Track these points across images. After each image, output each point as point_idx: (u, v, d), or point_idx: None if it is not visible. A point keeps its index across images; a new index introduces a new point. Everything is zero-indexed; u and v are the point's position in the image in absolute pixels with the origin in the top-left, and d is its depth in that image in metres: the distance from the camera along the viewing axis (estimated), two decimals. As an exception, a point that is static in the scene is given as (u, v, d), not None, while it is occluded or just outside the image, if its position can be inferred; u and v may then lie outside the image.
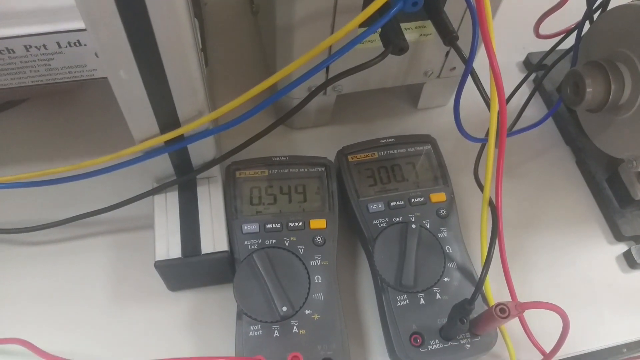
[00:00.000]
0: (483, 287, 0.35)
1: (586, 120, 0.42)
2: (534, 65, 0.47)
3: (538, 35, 0.42)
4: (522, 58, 0.53)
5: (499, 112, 0.30)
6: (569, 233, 0.43)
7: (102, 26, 0.24)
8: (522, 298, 0.40)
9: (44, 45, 0.32)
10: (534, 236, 0.43)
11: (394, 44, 0.33)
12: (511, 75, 0.51)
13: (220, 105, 0.31)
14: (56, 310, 0.37)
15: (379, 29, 0.34)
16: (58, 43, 0.32)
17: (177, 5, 0.25)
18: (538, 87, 0.47)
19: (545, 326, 0.35)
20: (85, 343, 0.36)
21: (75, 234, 0.39)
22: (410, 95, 0.49)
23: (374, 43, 0.38)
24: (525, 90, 0.49)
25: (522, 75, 0.49)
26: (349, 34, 0.30)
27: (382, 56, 0.33)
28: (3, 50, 0.32)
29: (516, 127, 0.46)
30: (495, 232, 0.32)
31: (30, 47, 0.32)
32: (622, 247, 0.42)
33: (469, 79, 0.34)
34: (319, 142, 0.46)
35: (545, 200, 0.45)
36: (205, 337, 0.36)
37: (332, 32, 0.36)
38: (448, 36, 0.34)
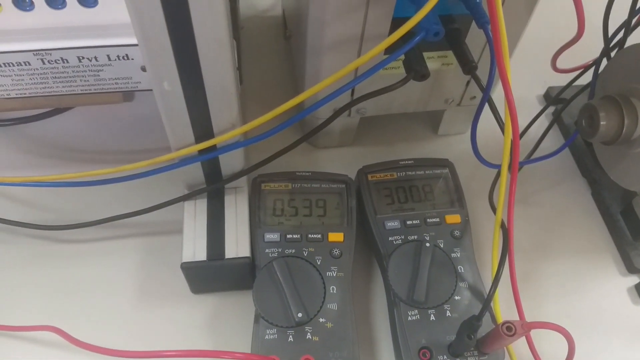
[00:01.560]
0: (492, 307, 0.37)
1: (601, 152, 0.43)
2: (552, 99, 0.48)
3: (555, 69, 0.44)
4: (543, 92, 0.54)
5: (512, 140, 0.32)
6: (582, 263, 0.44)
7: (152, 42, 0.27)
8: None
9: (95, 57, 0.36)
10: (547, 263, 0.44)
11: (416, 70, 0.35)
12: (531, 108, 0.53)
13: (249, 122, 0.33)
14: (86, 305, 0.39)
15: (402, 56, 0.37)
16: (108, 56, 0.36)
17: (220, 27, 0.27)
18: (556, 120, 0.49)
19: (553, 348, 0.36)
20: (111, 336, 0.38)
21: (109, 234, 0.42)
22: (431, 121, 0.51)
23: (398, 70, 0.41)
24: (544, 123, 0.51)
25: (538, 107, 0.50)
26: (374, 60, 0.32)
27: (404, 81, 0.35)
28: (58, 60, 0.35)
29: (534, 156, 0.47)
30: (506, 252, 0.33)
31: (83, 58, 0.36)
32: (634, 279, 0.43)
33: (486, 107, 0.36)
34: (341, 161, 0.48)
35: (559, 229, 0.46)
36: (223, 338, 0.38)
37: (358, 57, 0.38)
38: (467, 66, 0.36)
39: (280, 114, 0.32)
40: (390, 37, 0.30)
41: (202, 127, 0.33)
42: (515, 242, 0.44)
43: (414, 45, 0.34)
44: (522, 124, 0.48)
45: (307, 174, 0.41)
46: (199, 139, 0.34)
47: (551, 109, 0.52)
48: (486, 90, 0.35)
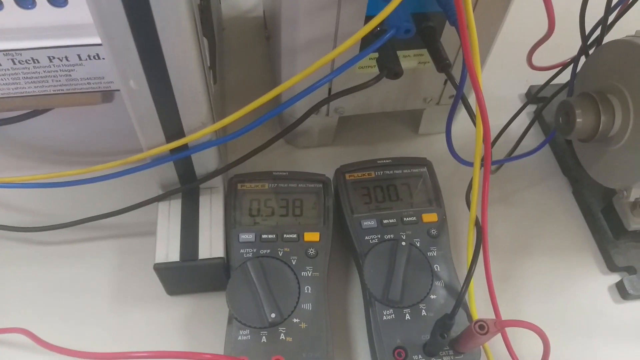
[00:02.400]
0: (468, 306, 0.36)
1: (581, 150, 0.43)
2: (532, 97, 0.48)
3: (532, 67, 0.44)
4: (525, 90, 0.54)
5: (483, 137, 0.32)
6: (563, 261, 0.44)
7: (115, 40, 0.27)
8: (511, 322, 0.41)
9: (66, 57, 0.35)
10: (527, 262, 0.43)
11: (389, 68, 0.35)
12: (513, 106, 0.52)
13: (234, 122, 0.33)
14: (60, 307, 0.39)
15: (376, 55, 0.37)
16: (79, 55, 0.35)
17: (183, 25, 0.27)
18: (537, 118, 0.48)
19: (530, 348, 0.36)
20: (85, 339, 0.37)
21: (83, 235, 0.41)
22: (412, 120, 0.51)
23: (374, 69, 0.40)
24: (527, 122, 0.51)
25: (520, 105, 0.50)
26: (347, 57, 0.32)
27: (377, 79, 0.35)
28: (29, 60, 0.35)
29: (515, 154, 0.47)
30: (479, 250, 0.33)
31: (54, 58, 0.35)
32: (615, 278, 0.43)
33: (461, 105, 0.35)
34: (321, 161, 0.48)
35: (540, 228, 0.45)
36: (199, 339, 0.38)
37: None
38: (441, 64, 0.36)
39: (254, 112, 0.32)
40: (359, 32, 0.30)
41: (172, 126, 0.33)
42: (495, 241, 0.44)
43: (385, 43, 0.34)
44: (503, 122, 0.48)
45: (284, 173, 0.41)
46: (169, 139, 0.34)
47: (533, 107, 0.52)
48: (459, 89, 0.35)
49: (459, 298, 0.32)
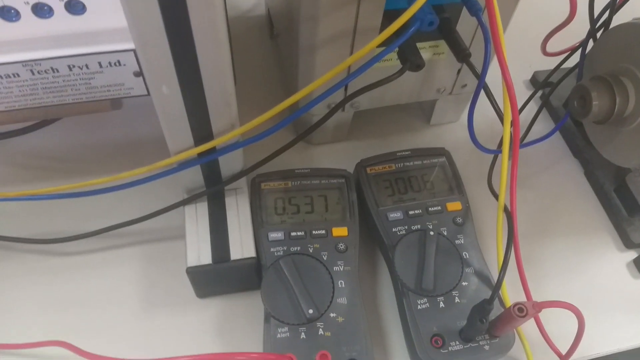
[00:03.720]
0: (500, 291, 0.37)
1: (593, 132, 0.44)
2: (541, 83, 0.49)
3: (545, 53, 0.44)
4: (529, 76, 0.55)
5: (512, 123, 0.32)
6: (580, 242, 0.45)
7: (151, 46, 0.27)
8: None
9: (87, 65, 0.35)
10: (546, 245, 0.44)
11: (411, 61, 0.35)
12: (518, 93, 0.52)
13: (242, 123, 0.33)
14: (90, 318, 0.38)
15: (397, 49, 0.37)
16: (100, 63, 0.35)
17: (218, 28, 0.27)
18: (545, 103, 0.49)
19: (561, 328, 0.37)
20: (118, 347, 0.37)
21: (109, 244, 0.41)
22: (424, 112, 0.51)
23: (391, 62, 0.41)
24: (533, 107, 0.52)
25: (529, 93, 0.51)
26: (368, 54, 0.32)
27: (400, 72, 0.35)
28: (48, 70, 0.35)
29: (526, 141, 0.48)
30: (511, 237, 0.34)
31: (74, 66, 0.35)
32: (632, 254, 0.44)
33: (482, 93, 0.36)
34: (337, 157, 0.48)
35: (555, 211, 0.46)
36: (232, 341, 0.38)
37: (351, 52, 0.38)
38: (461, 54, 0.36)
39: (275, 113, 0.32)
40: (386, 30, 0.30)
41: (202, 129, 0.33)
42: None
43: (408, 37, 0.35)
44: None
45: (305, 170, 0.41)
46: (198, 142, 0.34)
47: (538, 93, 0.53)
48: (482, 77, 0.35)
49: (497, 283, 0.33)
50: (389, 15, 0.37)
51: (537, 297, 0.42)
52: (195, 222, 0.38)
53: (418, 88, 0.45)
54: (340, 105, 0.37)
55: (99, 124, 0.49)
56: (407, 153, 0.43)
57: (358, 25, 0.37)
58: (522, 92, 0.55)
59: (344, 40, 0.38)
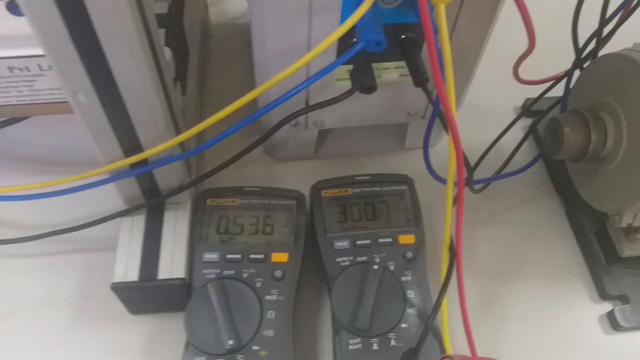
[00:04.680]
0: (442, 337, 0.34)
1: (573, 170, 0.41)
2: (523, 110, 0.46)
3: (520, 81, 0.41)
4: (521, 103, 0.52)
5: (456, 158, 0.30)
6: (551, 287, 0.41)
7: (58, 52, 0.26)
8: (494, 352, 0.38)
9: (27, 68, 0.34)
10: (513, 287, 0.41)
11: (361, 82, 0.33)
12: (508, 120, 0.50)
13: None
14: (19, 324, 0.37)
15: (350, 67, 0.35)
16: (39, 66, 0.34)
17: (129, 39, 0.26)
18: (531, 132, 0.46)
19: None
20: (45, 356, 0.36)
21: (47, 249, 0.40)
22: (399, 134, 0.48)
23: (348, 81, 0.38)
24: (521, 136, 0.48)
25: (519, 121, 0.48)
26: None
27: (348, 93, 0.33)
28: (-12, 71, 0.34)
29: (505, 172, 0.44)
30: (449, 276, 0.31)
31: (14, 68, 0.34)
32: (606, 307, 0.40)
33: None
34: (302, 175, 0.46)
35: (529, 250, 0.43)
36: (159, 363, 0.36)
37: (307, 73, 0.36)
38: (418, 77, 0.34)
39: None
40: (327, 39, 0.28)
41: (129, 140, 0.31)
42: (479, 264, 0.42)
43: (360, 56, 0.33)
44: (495, 136, 0.46)
45: (256, 189, 0.39)
46: (127, 153, 0.32)
47: (529, 121, 0.50)
48: (435, 105, 0.33)
49: (423, 331, 0.30)
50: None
51: (495, 344, 0.39)
52: (129, 235, 0.36)
53: (387, 110, 0.42)
54: (294, 116, 0.35)
55: (64, 124, 0.48)
56: (366, 178, 0.40)
57: (312, 43, 0.35)
58: (511, 119, 0.51)
59: (298, 57, 0.36)
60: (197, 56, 0.46)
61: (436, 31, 0.31)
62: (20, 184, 0.35)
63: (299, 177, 0.46)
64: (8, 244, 0.39)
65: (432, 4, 0.28)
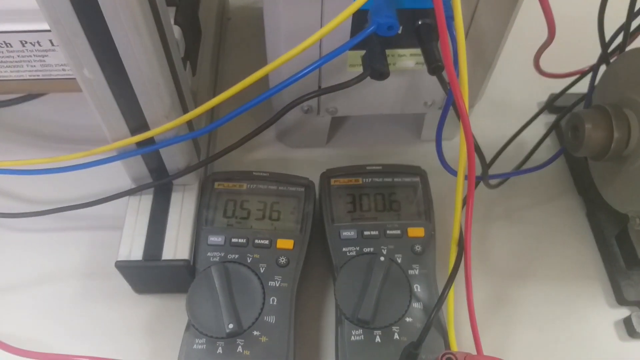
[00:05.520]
0: (447, 332, 0.33)
1: (595, 169, 0.39)
2: (545, 104, 0.44)
3: (542, 73, 0.39)
4: (545, 98, 0.50)
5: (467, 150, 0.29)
6: (567, 290, 0.40)
7: (62, 25, 0.25)
8: (502, 352, 0.37)
9: (38, 42, 0.34)
10: (527, 288, 0.40)
11: (373, 68, 0.32)
12: (531, 115, 0.48)
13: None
14: (24, 298, 0.38)
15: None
16: (51, 41, 0.34)
17: (133, 12, 0.25)
18: (554, 129, 0.44)
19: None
20: (48, 332, 0.37)
21: (57, 225, 0.40)
22: (415, 125, 0.47)
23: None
24: (543, 132, 0.47)
25: (542, 115, 0.46)
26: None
27: (359, 79, 0.32)
28: (1, 44, 0.34)
29: (524, 167, 0.43)
30: (456, 271, 0.30)
31: (26, 42, 0.34)
32: (623, 312, 0.38)
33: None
34: (313, 163, 0.45)
35: (545, 251, 0.41)
36: (162, 341, 0.36)
37: (320, 53, 0.36)
38: (432, 65, 0.32)
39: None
40: (337, 17, 0.28)
41: (134, 118, 0.31)
42: (492, 263, 0.41)
43: (373, 40, 0.32)
44: (516, 131, 0.44)
45: (264, 174, 0.39)
46: (134, 131, 0.32)
47: (553, 117, 0.48)
48: (449, 95, 0.31)
49: (425, 325, 0.29)
50: (358, 15, 0.34)
51: (503, 345, 0.38)
52: (136, 214, 0.36)
53: (402, 99, 0.41)
54: (303, 99, 0.34)
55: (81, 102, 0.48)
56: (378, 168, 0.39)
57: (324, 24, 0.34)
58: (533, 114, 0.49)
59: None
60: (213, 38, 0.45)
61: (450, 15, 0.30)
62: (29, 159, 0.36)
63: (310, 165, 0.45)
64: (17, 217, 0.39)
65: (449, -13, 0.27)
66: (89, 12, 0.25)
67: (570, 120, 0.35)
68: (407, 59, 0.37)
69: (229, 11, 0.55)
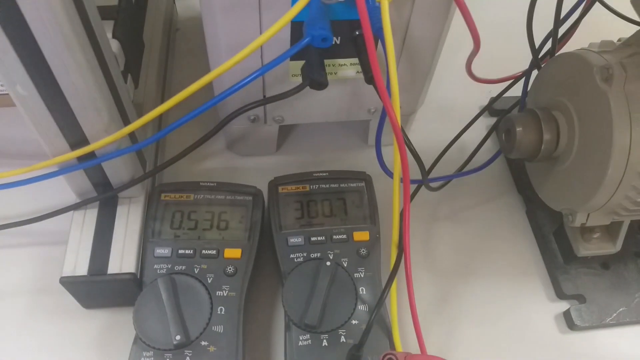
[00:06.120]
0: (391, 333, 0.34)
1: (531, 169, 0.41)
2: (484, 109, 0.46)
3: (474, 79, 0.41)
4: (486, 103, 0.52)
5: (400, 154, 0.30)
6: (509, 286, 0.41)
7: (-9, 42, 0.25)
8: (447, 350, 0.38)
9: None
10: (471, 285, 0.41)
11: (312, 78, 0.33)
12: (471, 118, 0.50)
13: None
14: (-31, 318, 0.37)
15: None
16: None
17: (65, 31, 0.25)
18: (493, 131, 0.46)
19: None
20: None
21: (4, 242, 0.39)
22: (363, 130, 0.48)
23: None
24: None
25: (483, 119, 0.48)
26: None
27: (299, 88, 0.33)
28: None
29: (466, 169, 0.45)
30: (395, 273, 0.31)
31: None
32: (563, 306, 0.40)
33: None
34: (263, 171, 0.45)
35: (488, 249, 0.43)
36: (110, 357, 0.36)
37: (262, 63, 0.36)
38: (368, 74, 0.33)
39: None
40: (271, 29, 0.28)
41: (73, 133, 0.31)
42: (437, 262, 0.42)
43: (311, 51, 0.33)
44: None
45: (212, 184, 0.39)
46: (73, 146, 0.32)
47: (493, 120, 0.50)
48: (385, 103, 0.32)
49: (366, 327, 0.30)
50: (297, 27, 0.34)
51: (449, 343, 0.39)
52: (81, 229, 0.36)
53: (346, 107, 0.42)
54: (245, 109, 0.35)
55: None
56: (324, 174, 0.40)
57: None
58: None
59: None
60: (160, 49, 0.45)
61: (379, 27, 0.31)
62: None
63: (260, 173, 0.45)
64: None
65: (377, 0, 0.28)
66: (18, 30, 0.24)
67: (503, 123, 0.37)
68: (347, 69, 0.38)
69: (178, 22, 0.55)
